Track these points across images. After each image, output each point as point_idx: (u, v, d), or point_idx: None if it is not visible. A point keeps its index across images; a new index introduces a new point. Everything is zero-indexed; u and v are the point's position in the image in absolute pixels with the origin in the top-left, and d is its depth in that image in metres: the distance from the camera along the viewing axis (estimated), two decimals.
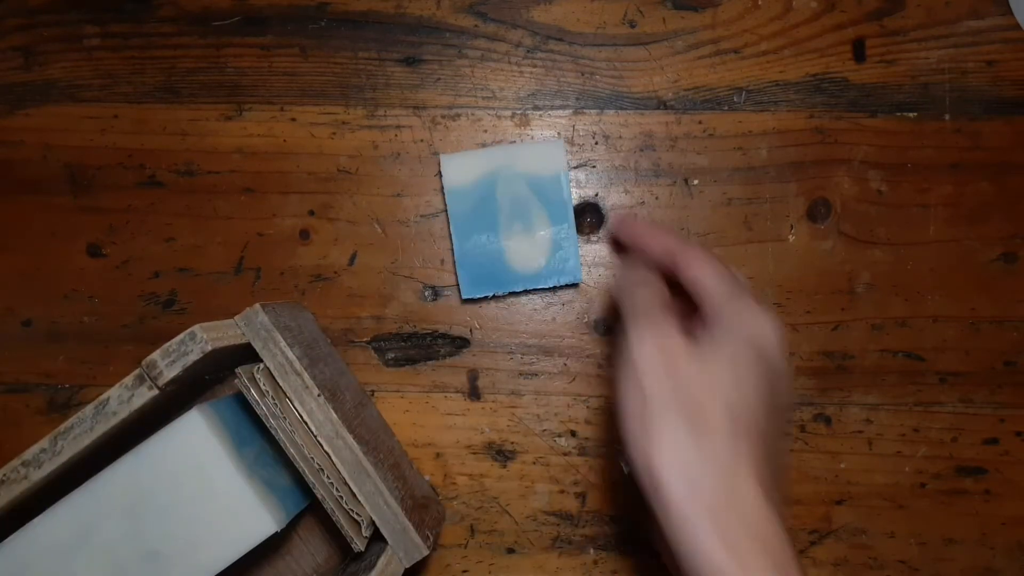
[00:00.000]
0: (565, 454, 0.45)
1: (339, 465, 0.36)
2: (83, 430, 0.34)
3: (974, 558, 0.45)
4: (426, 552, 0.36)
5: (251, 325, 0.36)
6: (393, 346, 0.46)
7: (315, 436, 0.36)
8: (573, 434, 0.45)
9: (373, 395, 0.46)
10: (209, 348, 0.33)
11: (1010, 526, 0.45)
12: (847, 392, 0.45)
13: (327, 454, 0.36)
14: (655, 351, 0.31)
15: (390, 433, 0.44)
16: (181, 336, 0.34)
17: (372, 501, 0.36)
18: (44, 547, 0.34)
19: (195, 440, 0.35)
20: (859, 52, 0.46)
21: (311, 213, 0.46)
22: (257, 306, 0.36)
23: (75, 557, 0.34)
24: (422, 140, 0.46)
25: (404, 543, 0.36)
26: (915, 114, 0.45)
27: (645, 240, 0.38)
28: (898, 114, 0.45)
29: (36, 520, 0.35)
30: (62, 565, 0.34)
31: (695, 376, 0.31)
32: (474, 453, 0.46)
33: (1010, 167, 0.45)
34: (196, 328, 0.33)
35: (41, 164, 0.46)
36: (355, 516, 0.36)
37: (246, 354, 0.37)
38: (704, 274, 0.34)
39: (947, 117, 0.45)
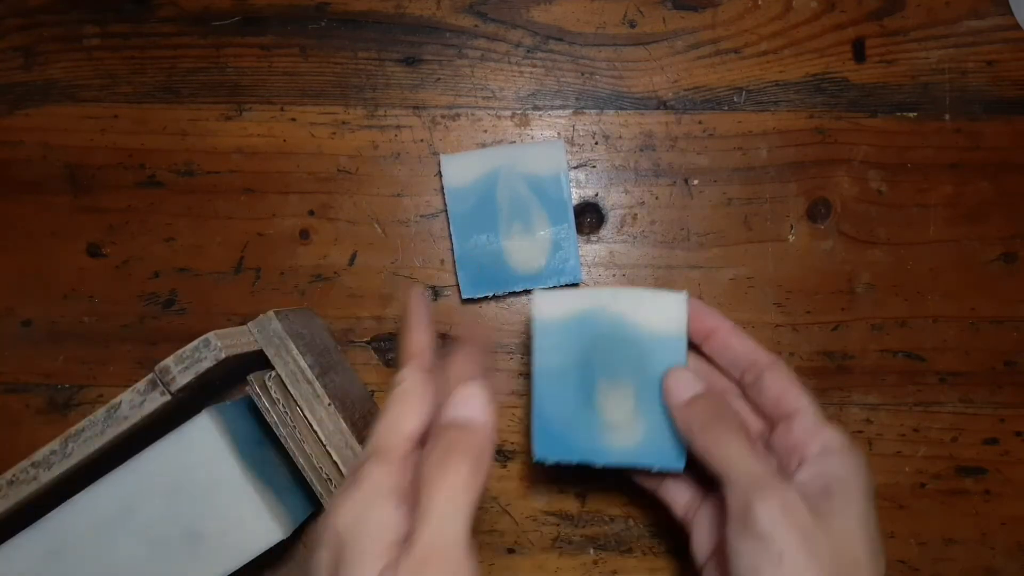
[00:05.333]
0: None
1: (348, 475, 0.36)
2: (94, 433, 0.34)
3: (974, 558, 0.45)
4: None
5: (264, 332, 0.36)
6: (393, 346, 0.46)
7: (324, 445, 0.36)
8: None
9: (373, 395, 0.46)
10: (223, 356, 0.33)
11: (1010, 526, 0.45)
12: (847, 392, 0.45)
13: (335, 464, 0.36)
14: (794, 530, 0.28)
15: None
16: (195, 343, 0.33)
17: None
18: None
19: (204, 443, 0.35)
20: (859, 52, 0.46)
21: (311, 213, 0.46)
22: (271, 313, 0.36)
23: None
24: (422, 140, 0.46)
25: None
26: (915, 114, 0.45)
27: (724, 342, 0.36)
28: (898, 114, 0.45)
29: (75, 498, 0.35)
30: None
31: (838, 546, 0.29)
32: None
33: (1010, 167, 0.45)
34: (211, 335, 0.33)
35: (41, 164, 0.46)
36: None
37: (257, 360, 0.37)
38: (797, 401, 0.33)
39: (947, 117, 0.45)
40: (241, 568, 0.36)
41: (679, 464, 0.36)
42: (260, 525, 0.35)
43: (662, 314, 0.36)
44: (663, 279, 0.45)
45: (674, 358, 0.36)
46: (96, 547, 0.35)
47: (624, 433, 0.36)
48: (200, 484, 0.35)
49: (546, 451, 0.37)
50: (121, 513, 0.35)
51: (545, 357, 0.37)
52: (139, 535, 0.35)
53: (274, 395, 0.35)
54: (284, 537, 0.36)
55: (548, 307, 0.37)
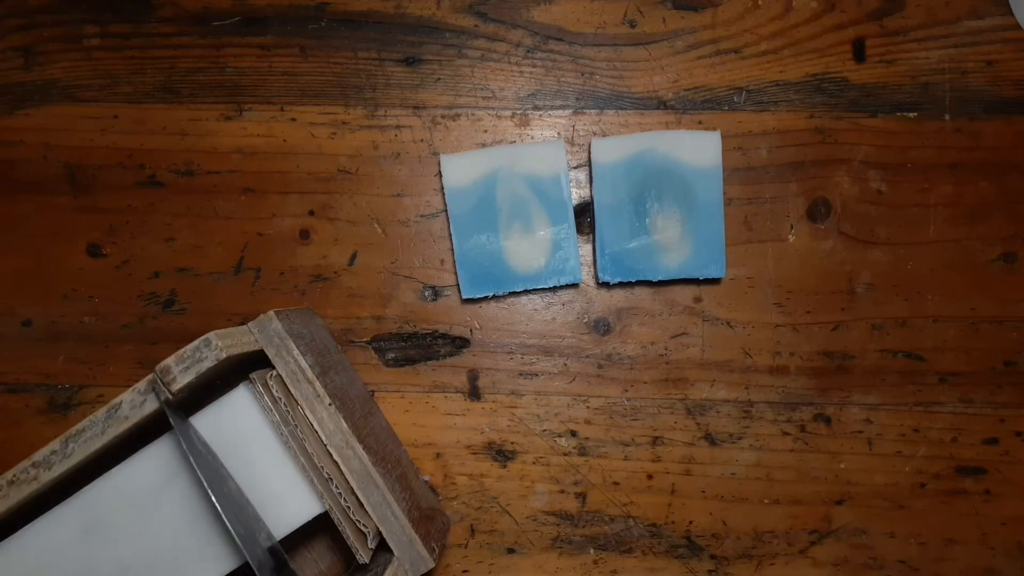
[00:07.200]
0: (565, 454, 0.45)
1: (348, 475, 0.36)
2: (94, 433, 0.34)
3: (974, 558, 0.45)
4: (432, 564, 0.36)
5: (265, 332, 0.36)
6: (393, 346, 0.46)
7: (325, 445, 0.36)
8: (573, 434, 0.45)
9: (373, 395, 0.46)
10: (223, 356, 0.33)
11: (1010, 526, 0.45)
12: (847, 392, 0.45)
13: (336, 463, 0.36)
14: None
15: (398, 442, 0.44)
16: (196, 343, 0.33)
17: (379, 512, 0.36)
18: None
19: (243, 416, 0.35)
20: (859, 52, 0.46)
21: (311, 213, 0.46)
22: (271, 313, 0.36)
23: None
24: (422, 140, 0.46)
25: (410, 555, 0.36)
26: (915, 114, 0.45)
27: None
28: (898, 114, 0.45)
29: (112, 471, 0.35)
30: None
31: None
32: (474, 453, 0.46)
33: (1010, 167, 0.45)
34: (211, 335, 0.33)
35: (41, 164, 0.46)
36: (361, 527, 0.36)
37: (257, 360, 0.37)
38: None
39: (947, 117, 0.45)
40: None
41: (721, 272, 0.44)
42: (299, 498, 0.36)
43: (701, 151, 0.43)
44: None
45: (712, 187, 0.43)
46: (131, 521, 0.35)
47: (674, 253, 0.43)
48: (238, 457, 0.35)
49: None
50: (157, 487, 0.35)
51: (604, 195, 0.44)
52: (175, 509, 0.35)
53: (275, 394, 0.35)
54: (323, 511, 0.36)
55: (605, 152, 0.43)
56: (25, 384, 0.46)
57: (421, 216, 0.46)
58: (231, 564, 0.35)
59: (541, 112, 0.46)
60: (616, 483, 0.45)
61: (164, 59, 0.46)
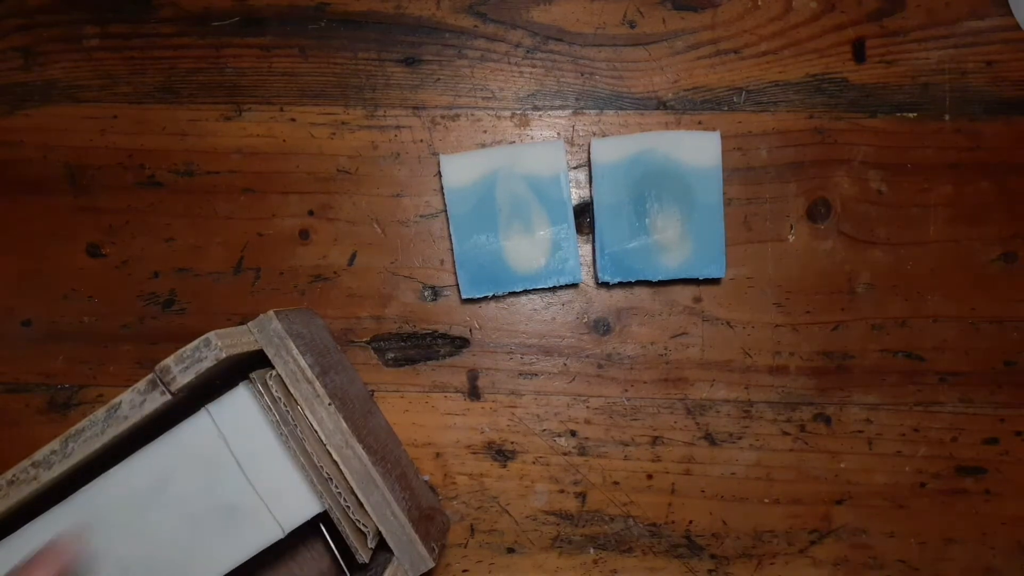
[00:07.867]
0: (565, 454, 0.45)
1: (347, 475, 0.36)
2: (94, 433, 0.34)
3: (974, 558, 0.45)
4: (432, 564, 0.36)
5: (264, 332, 0.36)
6: (393, 346, 0.46)
7: (325, 445, 0.36)
8: (573, 434, 0.45)
9: (373, 395, 0.46)
10: (223, 355, 0.33)
11: (1010, 526, 0.45)
12: (847, 392, 0.45)
13: (336, 463, 0.36)
14: None
15: (397, 442, 0.44)
16: (195, 342, 0.33)
17: (379, 512, 0.36)
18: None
19: (241, 415, 0.35)
20: (859, 52, 0.46)
21: (311, 213, 0.46)
22: (271, 313, 0.36)
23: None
24: (422, 140, 0.46)
25: (410, 555, 0.36)
26: (915, 114, 0.45)
27: None
28: (898, 114, 0.45)
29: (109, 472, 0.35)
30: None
31: None
32: (474, 453, 0.46)
33: (1010, 167, 0.45)
34: (211, 335, 0.33)
35: (41, 164, 0.46)
36: (361, 527, 0.36)
37: (257, 360, 0.37)
38: None
39: (947, 117, 0.45)
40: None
41: (721, 272, 0.43)
42: (299, 497, 0.36)
43: (701, 151, 0.43)
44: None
45: (712, 187, 0.43)
46: (129, 521, 0.35)
47: (674, 253, 0.43)
48: (237, 456, 0.35)
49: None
50: (155, 486, 0.35)
51: (604, 195, 0.44)
52: (173, 509, 0.35)
53: (275, 394, 0.35)
54: (322, 510, 0.36)
55: (605, 152, 0.43)
56: (25, 384, 0.46)
57: (421, 216, 0.46)
58: (231, 563, 0.35)
59: (541, 112, 0.46)
60: (616, 483, 0.45)
61: (164, 59, 0.46)
